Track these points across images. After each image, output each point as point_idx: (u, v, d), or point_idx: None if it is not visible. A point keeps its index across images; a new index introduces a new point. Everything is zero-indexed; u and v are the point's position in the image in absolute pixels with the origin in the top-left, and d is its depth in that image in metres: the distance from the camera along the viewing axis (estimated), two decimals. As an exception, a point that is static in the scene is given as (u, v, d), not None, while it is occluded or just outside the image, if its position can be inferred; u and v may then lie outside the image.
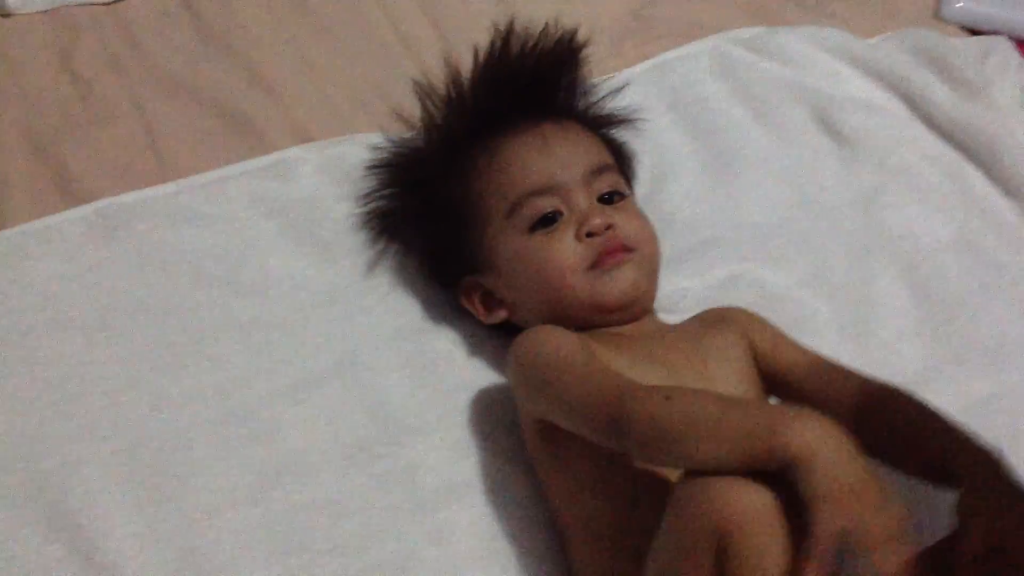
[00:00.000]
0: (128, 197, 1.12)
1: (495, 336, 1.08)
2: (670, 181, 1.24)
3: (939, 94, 1.33)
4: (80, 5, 1.27)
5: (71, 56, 1.23)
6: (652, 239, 1.04)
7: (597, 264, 0.98)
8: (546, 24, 1.08)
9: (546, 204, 1.00)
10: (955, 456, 0.86)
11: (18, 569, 0.91)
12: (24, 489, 0.94)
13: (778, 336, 1.02)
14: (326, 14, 1.32)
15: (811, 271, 1.19)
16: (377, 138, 1.18)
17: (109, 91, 1.21)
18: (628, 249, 0.99)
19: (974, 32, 1.46)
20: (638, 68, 1.34)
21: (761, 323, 1.03)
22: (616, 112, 1.15)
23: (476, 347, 1.09)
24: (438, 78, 1.11)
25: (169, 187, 1.14)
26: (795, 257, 1.20)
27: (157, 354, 1.04)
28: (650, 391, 0.78)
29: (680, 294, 1.15)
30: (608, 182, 1.04)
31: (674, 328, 1.04)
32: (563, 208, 1.00)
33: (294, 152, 1.18)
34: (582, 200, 1.01)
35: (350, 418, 1.03)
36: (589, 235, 0.98)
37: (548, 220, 1.00)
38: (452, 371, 1.06)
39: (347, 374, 1.05)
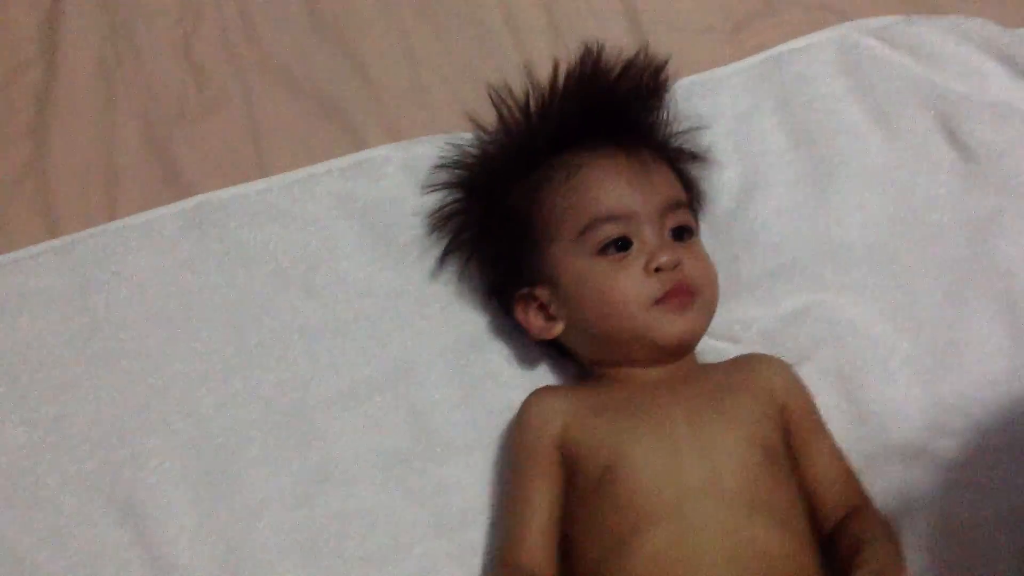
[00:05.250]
0: (224, 193, 1.17)
1: (545, 357, 1.10)
2: (760, 194, 1.17)
3: (1094, 101, 1.19)
4: (206, -12, 1.32)
5: (191, 42, 1.28)
6: (714, 282, 1.03)
7: (662, 301, 0.98)
8: (638, 52, 1.07)
9: (617, 230, 0.99)
10: None
11: (89, 550, 1.03)
12: (99, 476, 1.06)
13: (816, 430, 0.99)
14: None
15: (897, 303, 1.12)
16: (463, 137, 1.19)
17: (222, 80, 1.26)
18: (692, 292, 0.99)
19: None
20: (755, 59, 1.25)
21: (805, 402, 1.01)
22: (695, 150, 1.12)
23: (525, 367, 1.11)
24: (517, 82, 1.11)
25: (260, 184, 1.18)
26: (882, 286, 1.13)
27: (231, 352, 1.11)
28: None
29: (746, 324, 1.12)
30: (681, 218, 1.03)
31: (700, 374, 1.02)
32: (633, 238, 0.99)
33: (380, 151, 1.20)
34: (653, 234, 1.00)
35: (393, 430, 1.08)
36: (658, 270, 0.98)
37: (618, 247, 0.99)
38: (497, 391, 1.09)
39: (396, 385, 1.10)
